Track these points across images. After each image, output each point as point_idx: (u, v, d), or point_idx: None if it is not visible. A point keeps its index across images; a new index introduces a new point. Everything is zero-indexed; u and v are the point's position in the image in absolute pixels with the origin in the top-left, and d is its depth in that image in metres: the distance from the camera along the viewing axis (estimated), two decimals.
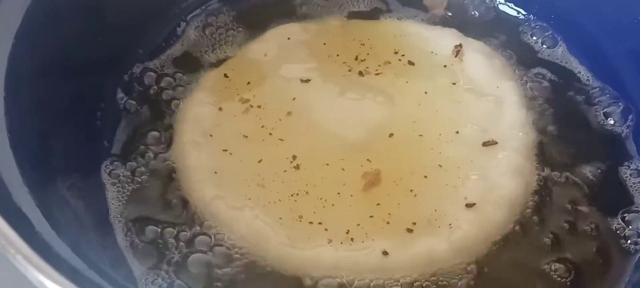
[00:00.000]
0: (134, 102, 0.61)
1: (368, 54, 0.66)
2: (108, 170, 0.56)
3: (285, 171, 0.57)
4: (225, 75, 0.64)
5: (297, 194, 0.55)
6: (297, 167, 0.57)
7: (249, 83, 0.63)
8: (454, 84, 0.63)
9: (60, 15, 0.54)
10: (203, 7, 0.69)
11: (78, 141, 0.55)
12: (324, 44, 0.67)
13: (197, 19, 0.69)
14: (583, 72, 0.65)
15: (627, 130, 0.60)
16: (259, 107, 0.61)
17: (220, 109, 0.61)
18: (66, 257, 0.37)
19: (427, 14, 0.70)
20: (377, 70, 0.65)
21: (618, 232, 0.54)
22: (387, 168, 0.57)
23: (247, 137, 0.59)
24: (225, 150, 0.58)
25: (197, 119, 0.60)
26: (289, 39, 0.67)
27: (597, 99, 0.63)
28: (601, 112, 0.62)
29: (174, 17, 0.68)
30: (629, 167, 0.58)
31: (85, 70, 0.57)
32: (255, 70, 0.64)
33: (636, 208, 0.56)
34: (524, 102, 0.62)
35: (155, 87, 0.63)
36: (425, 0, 0.71)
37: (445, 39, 0.67)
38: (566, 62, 0.66)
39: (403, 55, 0.66)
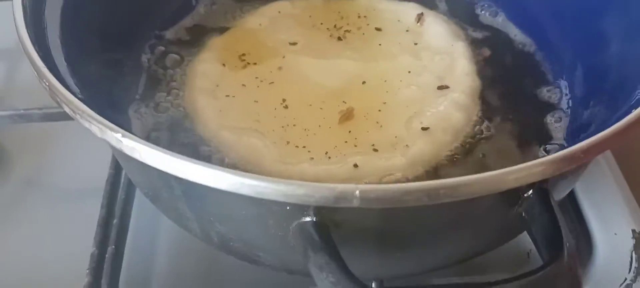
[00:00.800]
0: (153, 60, 0.75)
1: (346, 23, 0.80)
2: (133, 109, 0.69)
3: (276, 109, 0.69)
4: (227, 40, 0.78)
5: (287, 126, 0.67)
6: (286, 107, 0.69)
7: (246, 46, 0.76)
8: (416, 44, 0.76)
9: None
10: None
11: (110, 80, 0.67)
12: (309, 16, 0.81)
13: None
14: (518, 35, 0.79)
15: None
16: (255, 63, 0.74)
17: (223, 65, 0.74)
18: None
19: None
20: (352, 35, 0.78)
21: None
22: (359, 107, 0.69)
23: (245, 85, 0.72)
24: (228, 96, 0.70)
25: (204, 72, 0.73)
26: (279, 12, 0.81)
27: (528, 54, 0.77)
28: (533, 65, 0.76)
29: None
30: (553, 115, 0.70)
31: (116, 31, 0.70)
32: (251, 36, 0.78)
33: (554, 142, 0.68)
34: (471, 57, 0.75)
35: (170, 50, 0.76)
36: None
37: (409, 10, 0.81)
38: (505, 28, 0.80)
39: (374, 23, 0.79)
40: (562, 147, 0.65)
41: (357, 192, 0.42)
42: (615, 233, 0.67)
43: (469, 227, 0.52)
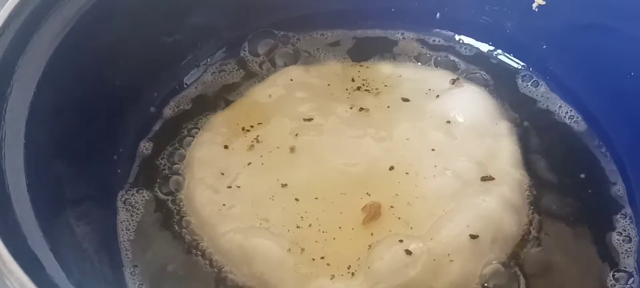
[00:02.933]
0: (148, 145, 0.64)
1: (369, 92, 0.68)
2: (121, 218, 0.59)
3: (288, 203, 0.59)
4: (231, 115, 0.66)
5: (301, 227, 0.57)
6: (297, 199, 0.59)
7: (253, 122, 0.65)
8: (449, 121, 0.65)
9: (79, 64, 0.57)
10: (212, 57, 0.72)
11: (93, 190, 0.57)
12: (327, 84, 0.69)
13: (210, 66, 0.71)
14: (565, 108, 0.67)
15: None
16: (263, 143, 0.63)
17: (225, 147, 0.63)
18: None
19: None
20: (376, 107, 0.66)
21: None
22: (384, 200, 0.58)
23: (251, 172, 0.61)
24: (231, 187, 0.60)
25: (203, 160, 0.63)
26: (292, 80, 0.69)
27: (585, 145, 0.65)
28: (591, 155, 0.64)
29: (187, 65, 0.71)
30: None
31: (102, 116, 0.60)
32: (260, 110, 0.67)
33: (624, 269, 0.56)
34: (517, 140, 0.64)
35: (167, 128, 0.66)
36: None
37: (440, 77, 0.69)
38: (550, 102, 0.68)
39: (400, 92, 0.68)
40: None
41: None
42: None
43: None
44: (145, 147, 0.64)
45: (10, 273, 0.40)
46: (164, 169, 0.63)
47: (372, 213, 0.58)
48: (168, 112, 0.67)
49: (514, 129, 0.65)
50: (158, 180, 0.62)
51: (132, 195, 0.60)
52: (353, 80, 0.70)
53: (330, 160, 0.62)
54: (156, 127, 0.66)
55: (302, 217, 0.58)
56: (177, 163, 0.63)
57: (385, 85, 0.69)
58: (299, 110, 0.67)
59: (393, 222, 0.58)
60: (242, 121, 0.66)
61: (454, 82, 0.68)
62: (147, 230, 0.58)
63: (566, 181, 0.62)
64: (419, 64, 0.72)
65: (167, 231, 0.59)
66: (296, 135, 0.64)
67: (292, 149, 0.63)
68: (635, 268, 0.56)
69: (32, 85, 0.52)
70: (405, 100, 0.67)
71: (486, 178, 0.60)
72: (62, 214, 0.51)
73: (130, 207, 0.60)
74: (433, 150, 0.62)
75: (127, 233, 0.58)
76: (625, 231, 0.58)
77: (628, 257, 0.56)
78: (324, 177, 0.61)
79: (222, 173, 0.61)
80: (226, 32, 0.72)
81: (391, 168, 0.61)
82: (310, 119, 0.66)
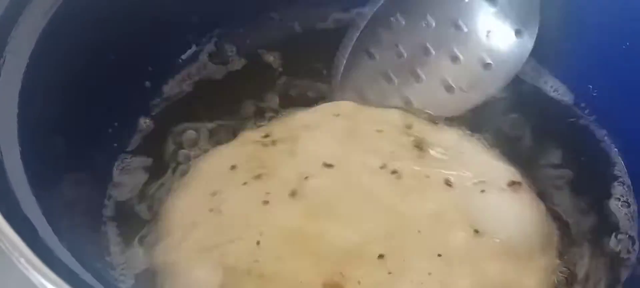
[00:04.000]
0: (147, 120, 0.64)
1: (415, 156, 0.59)
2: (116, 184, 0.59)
3: (247, 246, 0.53)
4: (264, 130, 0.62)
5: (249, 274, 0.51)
6: (258, 243, 0.52)
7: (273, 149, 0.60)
8: (477, 232, 0.54)
9: (73, 36, 0.55)
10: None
11: (87, 160, 0.57)
12: (377, 131, 0.61)
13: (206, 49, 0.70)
14: None
15: None
16: (268, 176, 0.57)
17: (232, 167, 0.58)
18: (66, 261, 0.40)
19: None
20: (410, 175, 0.57)
21: None
22: None
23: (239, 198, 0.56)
24: (212, 210, 0.56)
25: (207, 170, 0.59)
26: (337, 115, 0.62)
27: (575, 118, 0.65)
28: None
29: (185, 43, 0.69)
30: None
31: (96, 88, 0.58)
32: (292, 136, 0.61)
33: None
34: None
35: (167, 106, 0.66)
36: None
37: (498, 172, 0.58)
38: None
39: (451, 169, 0.58)
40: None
41: None
42: None
43: None
44: (145, 122, 0.64)
45: (3, 235, 0.39)
46: (164, 145, 0.63)
47: None
48: (167, 88, 0.67)
49: (551, 272, 0.54)
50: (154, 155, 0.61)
51: (129, 163, 0.60)
52: (407, 135, 0.61)
53: (320, 221, 0.54)
54: (154, 103, 0.65)
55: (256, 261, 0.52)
56: (177, 140, 0.63)
57: (443, 154, 0.60)
58: (325, 151, 0.59)
59: None
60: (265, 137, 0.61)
61: (512, 184, 0.57)
62: (141, 199, 0.58)
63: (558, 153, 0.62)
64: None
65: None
66: (306, 178, 0.57)
67: (293, 193, 0.56)
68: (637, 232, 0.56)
69: (25, 57, 0.52)
70: (448, 184, 0.57)
71: None
72: (55, 182, 0.50)
73: (126, 174, 0.60)
74: (439, 256, 0.52)
75: (120, 201, 0.58)
76: (623, 196, 0.59)
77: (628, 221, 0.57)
78: (302, 236, 0.53)
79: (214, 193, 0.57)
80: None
81: (380, 256, 0.52)
82: (330, 166, 0.58)
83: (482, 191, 0.56)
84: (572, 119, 0.65)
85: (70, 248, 0.42)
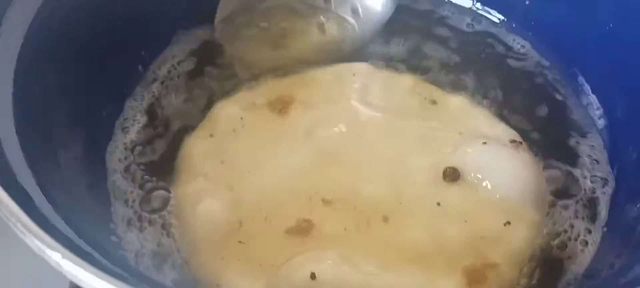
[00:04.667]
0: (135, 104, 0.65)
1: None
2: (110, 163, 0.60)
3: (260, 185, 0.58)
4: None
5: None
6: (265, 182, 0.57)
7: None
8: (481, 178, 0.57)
9: (68, 16, 0.57)
10: None
11: (82, 137, 0.58)
12: (389, 90, 0.65)
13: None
14: None
15: None
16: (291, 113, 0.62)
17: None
18: (61, 229, 0.42)
19: None
20: (420, 133, 0.61)
21: None
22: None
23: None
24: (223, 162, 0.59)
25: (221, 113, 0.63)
26: (353, 75, 0.66)
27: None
28: None
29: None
30: None
31: (90, 69, 0.60)
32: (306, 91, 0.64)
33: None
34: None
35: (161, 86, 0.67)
36: None
37: (501, 132, 0.62)
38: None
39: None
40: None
41: None
42: None
43: None
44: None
45: (1, 204, 0.41)
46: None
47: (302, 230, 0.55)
48: (157, 71, 0.68)
49: (540, 227, 0.57)
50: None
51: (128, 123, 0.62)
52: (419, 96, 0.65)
53: (326, 166, 0.58)
54: (145, 84, 0.66)
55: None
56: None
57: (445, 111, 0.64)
58: (337, 106, 0.63)
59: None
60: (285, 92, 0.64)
61: (513, 142, 0.60)
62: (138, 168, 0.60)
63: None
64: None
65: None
66: (316, 128, 0.61)
67: (303, 140, 0.60)
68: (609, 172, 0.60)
69: (20, 36, 0.53)
70: (453, 138, 0.60)
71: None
72: (51, 156, 0.52)
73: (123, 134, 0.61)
74: (438, 204, 0.56)
75: (116, 172, 0.59)
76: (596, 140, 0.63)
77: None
78: (307, 176, 0.57)
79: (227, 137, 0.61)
80: None
81: (381, 203, 0.56)
82: (340, 119, 0.61)
83: (485, 143, 0.58)
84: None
85: (66, 219, 0.44)
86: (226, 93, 0.66)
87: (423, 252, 0.53)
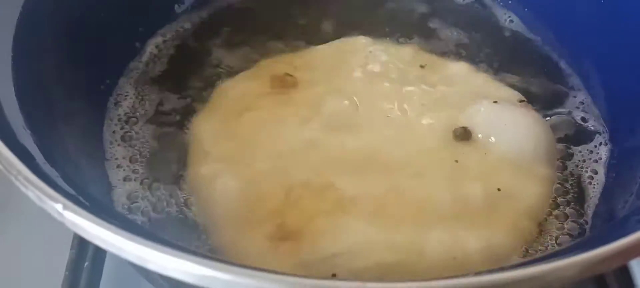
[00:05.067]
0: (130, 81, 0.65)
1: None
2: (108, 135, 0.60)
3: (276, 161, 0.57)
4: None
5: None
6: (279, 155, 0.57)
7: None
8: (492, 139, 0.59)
9: None
10: None
11: (81, 105, 0.58)
12: (392, 62, 0.66)
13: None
14: None
15: None
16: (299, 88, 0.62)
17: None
18: (61, 185, 0.42)
19: None
20: (429, 100, 0.62)
21: None
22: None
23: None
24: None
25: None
26: (354, 49, 0.67)
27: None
28: None
29: None
30: None
31: (88, 45, 0.60)
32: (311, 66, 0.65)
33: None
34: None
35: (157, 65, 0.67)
36: None
37: (506, 94, 0.64)
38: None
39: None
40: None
41: None
42: None
43: None
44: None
45: (1, 157, 0.40)
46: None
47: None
48: (153, 47, 0.68)
49: (552, 183, 0.58)
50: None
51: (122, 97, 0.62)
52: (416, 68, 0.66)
53: (339, 134, 0.59)
54: (143, 60, 0.67)
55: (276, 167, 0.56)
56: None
57: (450, 79, 0.65)
58: (342, 79, 0.64)
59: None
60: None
61: (522, 101, 0.63)
62: (136, 137, 0.60)
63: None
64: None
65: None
66: (324, 100, 0.61)
67: (312, 114, 0.60)
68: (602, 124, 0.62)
69: (18, 7, 0.53)
70: (462, 102, 0.62)
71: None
72: (51, 121, 0.51)
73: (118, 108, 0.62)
74: (456, 162, 0.57)
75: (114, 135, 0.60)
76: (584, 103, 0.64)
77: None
78: (320, 146, 0.58)
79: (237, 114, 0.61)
80: None
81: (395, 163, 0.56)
82: (347, 91, 0.62)
83: (495, 102, 0.60)
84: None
85: (65, 177, 0.43)
86: (229, 72, 0.66)
87: (446, 209, 0.53)
